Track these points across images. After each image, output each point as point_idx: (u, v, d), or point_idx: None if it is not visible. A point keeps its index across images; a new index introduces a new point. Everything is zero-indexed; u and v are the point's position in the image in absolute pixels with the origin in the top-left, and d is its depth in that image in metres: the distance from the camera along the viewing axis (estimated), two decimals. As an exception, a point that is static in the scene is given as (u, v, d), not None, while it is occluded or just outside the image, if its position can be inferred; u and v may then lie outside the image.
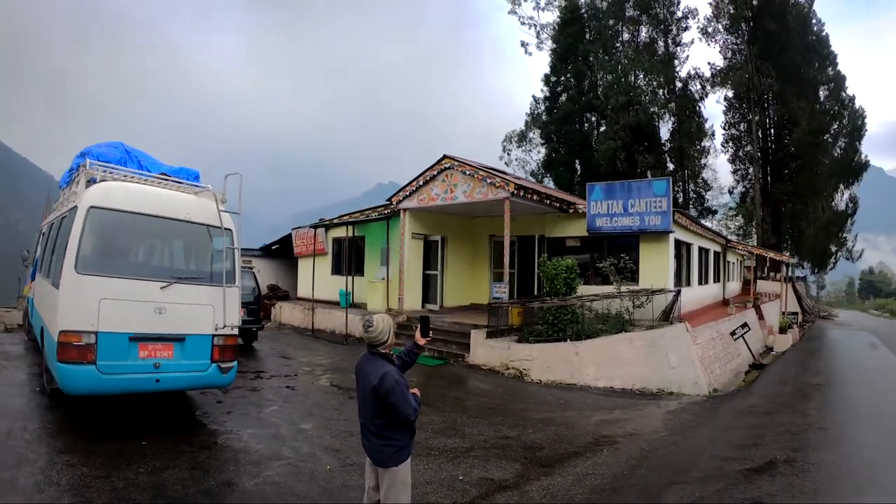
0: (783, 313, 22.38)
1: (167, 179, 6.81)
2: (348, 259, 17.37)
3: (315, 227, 18.84)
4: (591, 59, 36.16)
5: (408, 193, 15.11)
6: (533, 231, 15.79)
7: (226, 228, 6.64)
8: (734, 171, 36.29)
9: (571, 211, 14.80)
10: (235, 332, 6.62)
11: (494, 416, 8.09)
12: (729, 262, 24.49)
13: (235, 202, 6.92)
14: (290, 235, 20.69)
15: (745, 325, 14.24)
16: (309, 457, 5.74)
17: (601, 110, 34.78)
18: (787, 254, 28.65)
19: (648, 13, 35.27)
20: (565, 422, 8.04)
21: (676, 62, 35.34)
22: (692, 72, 35.28)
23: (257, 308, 13.48)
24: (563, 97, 37.81)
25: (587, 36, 37.46)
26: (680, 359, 10.75)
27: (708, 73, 34.30)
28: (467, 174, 13.78)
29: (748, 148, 34.07)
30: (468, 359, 11.98)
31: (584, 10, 37.97)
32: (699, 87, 35.03)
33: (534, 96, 39.97)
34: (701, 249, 17.89)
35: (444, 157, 14.28)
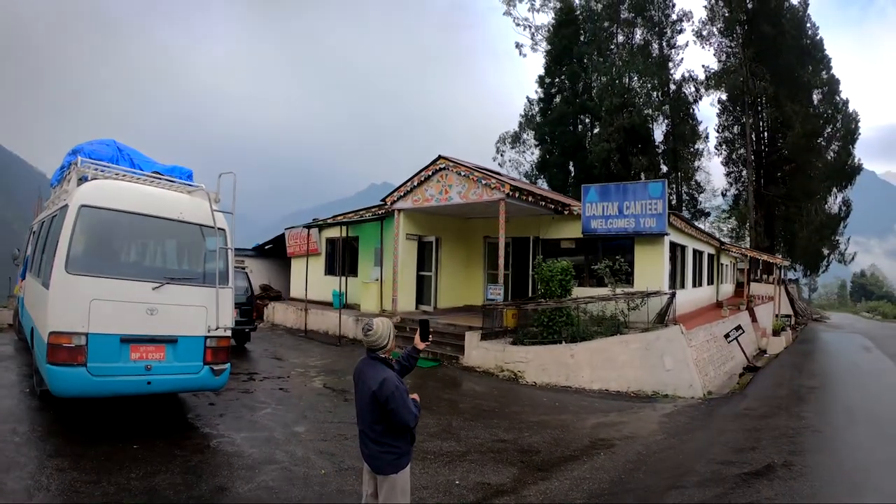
0: (776, 315, 22.47)
1: (160, 178, 6.71)
2: (342, 259, 17.26)
3: (308, 227, 18.73)
4: (585, 60, 36.21)
5: (402, 194, 15.04)
6: (528, 232, 15.75)
7: (219, 228, 6.54)
8: (727, 174, 36.46)
9: (566, 213, 14.78)
10: (228, 333, 6.53)
11: (490, 418, 8.04)
12: (722, 264, 24.57)
13: (229, 202, 6.83)
14: (283, 235, 20.57)
15: (738, 327, 14.27)
16: (303, 461, 5.66)
17: (595, 112, 34.81)
18: (780, 256, 28.76)
19: (643, 15, 35.37)
20: (561, 425, 8.00)
21: (671, 64, 35.46)
22: (686, 74, 35.40)
23: (250, 309, 13.36)
24: (558, 98, 37.82)
25: (582, 38, 37.51)
26: (675, 361, 10.74)
27: (702, 76, 34.44)
28: (462, 175, 13.72)
29: (742, 151, 34.19)
30: (462, 361, 11.92)
31: (578, 12, 38.01)
32: (693, 89, 35.14)
33: (528, 97, 40.05)
34: (695, 252, 17.92)
35: (439, 157, 14.21)
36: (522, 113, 40.09)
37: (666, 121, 35.78)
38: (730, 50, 33.76)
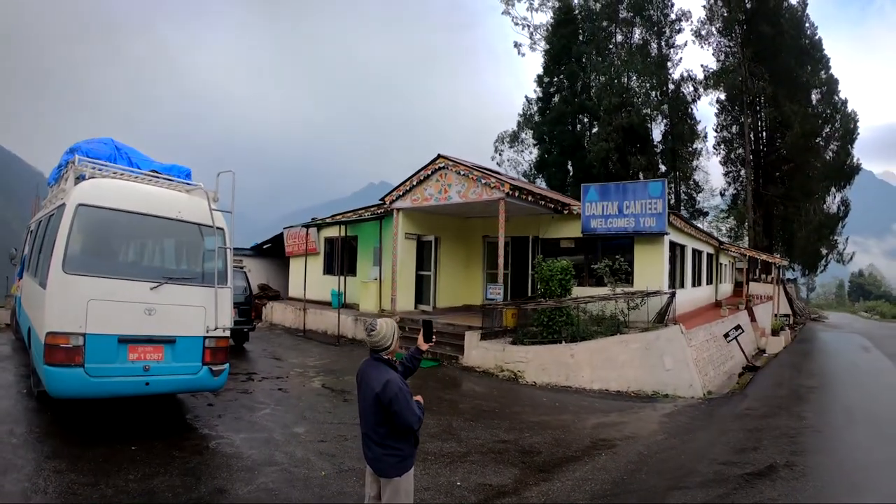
0: (775, 315, 22.46)
1: (158, 177, 6.64)
2: (340, 259, 17.20)
3: (307, 226, 18.67)
4: (584, 60, 36.21)
5: (401, 193, 14.99)
6: (527, 232, 15.72)
7: (217, 227, 6.49)
8: (726, 174, 36.48)
9: (566, 212, 14.74)
10: (227, 334, 6.47)
11: (490, 419, 8.00)
12: (721, 264, 24.57)
13: (227, 201, 6.77)
14: (281, 235, 20.52)
15: (738, 327, 14.24)
16: (303, 462, 5.61)
17: (594, 111, 34.82)
18: (779, 256, 28.77)
19: (642, 15, 35.37)
20: (562, 425, 7.96)
21: (669, 64, 35.46)
22: (685, 74, 35.44)
23: (248, 308, 13.31)
24: (556, 98, 37.82)
25: (580, 37, 37.52)
26: (675, 361, 10.71)
27: (701, 76, 34.45)
28: (462, 174, 13.67)
29: (740, 150, 34.20)
30: (462, 360, 11.89)
31: (577, 12, 38.01)
32: (692, 89, 35.18)
33: (526, 97, 40.06)
34: (694, 251, 17.90)
35: (439, 156, 14.17)
36: (521, 112, 40.13)
37: (664, 120, 35.81)
38: (728, 49, 33.78)
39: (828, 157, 33.09)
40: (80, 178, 6.06)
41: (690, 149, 35.79)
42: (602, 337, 11.15)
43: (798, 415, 9.31)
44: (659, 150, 35.81)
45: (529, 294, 14.96)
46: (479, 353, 11.66)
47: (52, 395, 5.56)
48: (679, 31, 35.52)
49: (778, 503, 5.21)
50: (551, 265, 11.90)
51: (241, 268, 15.93)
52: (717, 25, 33.81)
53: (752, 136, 33.46)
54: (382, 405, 3.10)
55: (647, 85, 34.36)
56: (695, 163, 36.32)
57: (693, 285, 17.73)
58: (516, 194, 13.17)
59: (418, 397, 3.30)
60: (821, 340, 23.15)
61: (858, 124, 33.20)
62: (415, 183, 14.60)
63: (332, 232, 18.07)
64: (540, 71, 38.58)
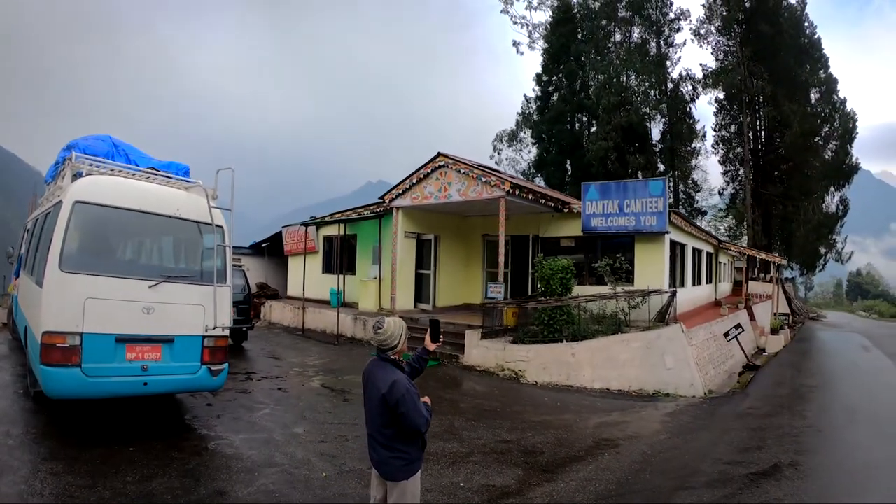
0: (774, 314, 22.44)
1: (156, 174, 6.56)
2: (339, 257, 17.13)
3: (306, 224, 18.59)
4: (583, 59, 36.13)
5: (401, 191, 14.92)
6: (527, 231, 15.66)
7: (217, 225, 6.41)
8: (724, 173, 36.41)
9: (566, 210, 14.69)
10: (226, 333, 6.39)
11: (492, 418, 7.94)
12: (721, 263, 24.55)
13: (226, 198, 6.69)
14: (280, 233, 20.43)
15: (738, 326, 14.20)
16: (303, 463, 5.54)
17: (593, 110, 34.76)
18: (778, 255, 28.77)
19: (641, 14, 35.31)
20: (564, 424, 7.90)
21: (668, 63, 35.40)
22: (684, 73, 35.37)
23: (247, 307, 13.24)
24: (555, 97, 37.73)
25: (579, 36, 37.44)
26: (676, 360, 10.66)
27: (700, 75, 34.38)
28: (462, 172, 13.61)
29: (739, 149, 34.17)
30: (462, 360, 11.83)
31: (576, 10, 37.92)
32: (690, 88, 35.13)
33: (525, 96, 39.96)
34: (694, 250, 17.86)
35: (439, 154, 14.10)
36: (520, 111, 40.04)
37: (663, 119, 35.76)
38: (728, 49, 33.72)
39: (827, 157, 33.09)
40: (77, 175, 5.97)
41: (689, 148, 35.76)
42: (603, 336, 11.09)
43: (800, 414, 9.28)
44: (658, 149, 35.76)
45: (529, 293, 14.90)
46: (480, 352, 11.60)
47: (49, 396, 5.47)
48: (678, 30, 35.52)
49: (784, 503, 5.16)
50: (552, 264, 11.84)
51: (240, 266, 15.85)
52: (717, 24, 33.75)
53: (750, 135, 33.44)
54: (389, 406, 3.02)
55: (646, 84, 34.31)
56: (693, 162, 36.28)
57: (693, 284, 17.69)
58: (517, 192, 13.11)
59: (426, 399, 3.22)
60: (820, 339, 23.14)
61: (857, 123, 33.20)
62: (414, 181, 14.52)
63: (331, 230, 17.99)
64: (539, 70, 38.52)
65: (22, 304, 7.47)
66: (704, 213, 37.89)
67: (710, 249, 21.12)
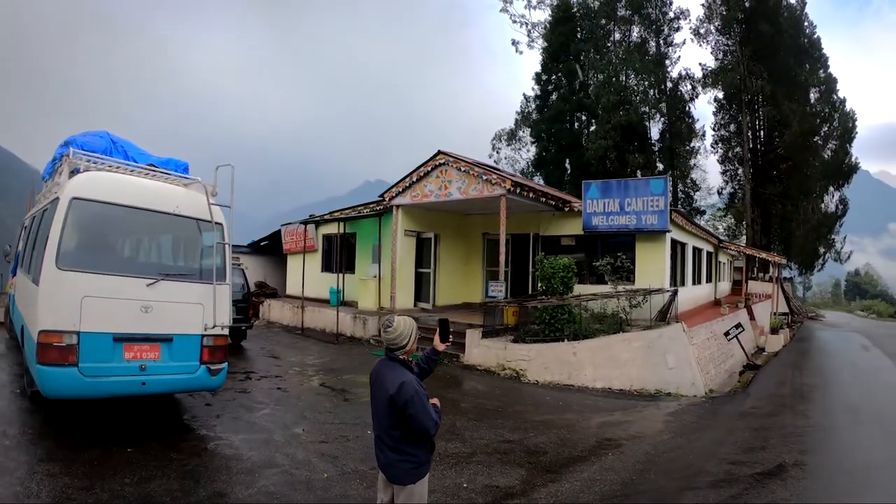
0: (774, 313, 22.41)
1: (155, 170, 6.47)
2: (339, 256, 17.04)
3: (305, 223, 18.49)
4: (582, 58, 36.05)
5: (401, 190, 14.85)
6: (527, 229, 15.60)
7: (216, 222, 6.32)
8: (723, 172, 36.39)
9: (567, 209, 14.62)
10: (226, 332, 6.31)
11: (494, 418, 7.87)
12: (720, 262, 24.51)
13: (226, 195, 6.60)
14: (279, 232, 20.35)
15: (738, 325, 14.16)
16: (304, 464, 5.45)
17: (592, 109, 34.67)
18: (776, 254, 28.75)
19: (640, 13, 35.23)
20: (566, 424, 7.84)
21: (668, 62, 35.31)
22: (683, 72, 35.29)
23: (246, 306, 13.16)
24: (554, 96, 37.63)
25: (579, 35, 37.34)
26: (677, 359, 10.61)
27: (699, 74, 34.32)
28: (462, 171, 13.54)
29: (738, 149, 34.14)
30: (463, 359, 11.75)
31: (575, 10, 37.80)
32: (690, 87, 35.04)
33: (524, 95, 39.83)
34: (695, 249, 17.82)
35: (439, 152, 14.02)
36: (519, 110, 39.92)
37: (662, 119, 35.69)
38: (727, 48, 33.67)
39: (826, 156, 33.11)
40: (74, 172, 5.87)
41: (688, 147, 35.68)
42: (604, 335, 11.04)
43: (803, 413, 9.24)
44: (657, 149, 35.70)
45: (529, 292, 14.84)
46: (481, 351, 11.53)
47: (46, 396, 5.38)
48: (677, 29, 35.43)
49: (791, 502, 5.11)
50: (553, 262, 11.78)
51: (239, 265, 15.76)
52: (716, 24, 33.70)
53: (750, 134, 33.42)
54: (397, 408, 2.94)
55: (646, 83, 34.21)
56: (692, 161, 36.19)
57: (693, 283, 17.66)
58: (518, 191, 13.05)
59: (434, 400, 3.14)
60: (820, 339, 23.13)
61: (857, 123, 33.20)
62: (415, 179, 14.45)
63: (331, 229, 17.90)
64: (538, 69, 38.42)
65: (19, 302, 7.38)
66: (703, 213, 37.86)
67: (710, 248, 21.09)
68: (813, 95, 33.19)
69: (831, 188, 34.09)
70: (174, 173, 6.62)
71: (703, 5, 33.89)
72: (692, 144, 35.93)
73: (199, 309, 6.02)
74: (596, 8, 36.87)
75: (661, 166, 35.17)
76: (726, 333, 13.87)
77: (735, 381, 12.46)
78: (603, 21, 36.47)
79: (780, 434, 7.66)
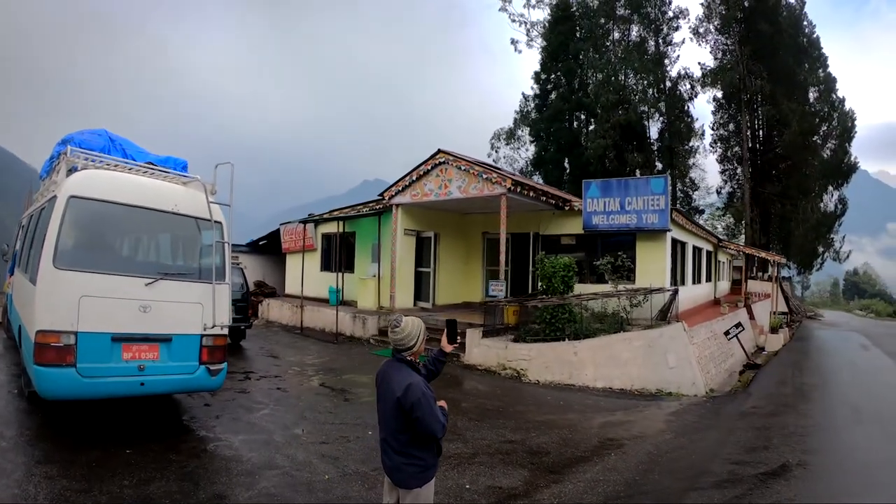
0: (773, 313, 22.40)
1: (153, 169, 6.40)
2: (338, 255, 16.99)
3: (304, 222, 18.43)
4: (581, 57, 36.00)
5: (400, 188, 14.79)
6: (527, 228, 15.55)
7: (215, 221, 6.26)
8: (722, 171, 36.41)
9: (567, 208, 14.58)
10: (225, 332, 6.25)
11: (495, 418, 7.82)
12: (719, 261, 24.49)
13: (225, 194, 6.53)
14: (277, 231, 20.28)
15: (739, 324, 14.13)
16: (305, 465, 5.39)
17: (591, 109, 34.61)
18: (775, 254, 28.75)
19: (639, 12, 35.18)
20: (568, 424, 7.79)
21: (667, 62, 35.29)
22: (682, 72, 35.30)
23: (245, 306, 13.08)
24: (554, 95, 37.58)
25: (578, 34, 37.28)
26: (678, 359, 10.58)
27: (698, 74, 34.32)
28: (462, 169, 13.48)
29: (737, 148, 34.15)
30: (463, 359, 11.71)
31: (574, 9, 37.74)
32: (689, 87, 35.02)
33: (523, 94, 39.78)
34: (695, 248, 17.79)
35: (439, 151, 13.96)
36: (517, 109, 39.87)
37: (661, 118, 35.68)
38: (726, 47, 33.66)
39: (825, 156, 33.10)
40: (72, 170, 5.80)
41: (687, 146, 35.67)
42: (605, 334, 11.00)
43: (804, 413, 9.21)
44: (656, 148, 35.68)
45: (529, 291, 14.80)
46: (481, 350, 11.48)
47: (43, 397, 5.31)
48: (677, 28, 35.39)
49: (796, 502, 5.07)
50: (554, 262, 11.73)
51: (238, 264, 15.70)
52: (716, 23, 33.67)
53: (749, 133, 33.42)
54: (404, 410, 2.87)
55: (645, 82, 34.18)
56: (691, 160, 36.19)
57: (693, 282, 17.63)
58: (518, 190, 13.00)
59: (442, 403, 3.09)
60: (819, 338, 23.12)
61: (856, 123, 33.20)
62: (414, 178, 14.40)
63: (330, 228, 17.84)
64: (537, 68, 38.37)
65: (16, 302, 7.31)
66: (702, 212, 37.86)
67: (710, 248, 21.06)
68: (812, 95, 33.18)
69: (830, 188, 34.10)
70: (173, 171, 6.56)
71: (702, 4, 33.92)
72: (691, 144, 35.97)
73: (199, 308, 5.97)
74: (595, 7, 36.81)
75: (659, 165, 35.15)
76: (726, 333, 13.84)
77: (735, 380, 12.43)
78: (602, 20, 36.41)
79: (783, 434, 7.62)
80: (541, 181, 35.13)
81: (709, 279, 21.37)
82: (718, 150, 35.97)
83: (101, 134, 6.84)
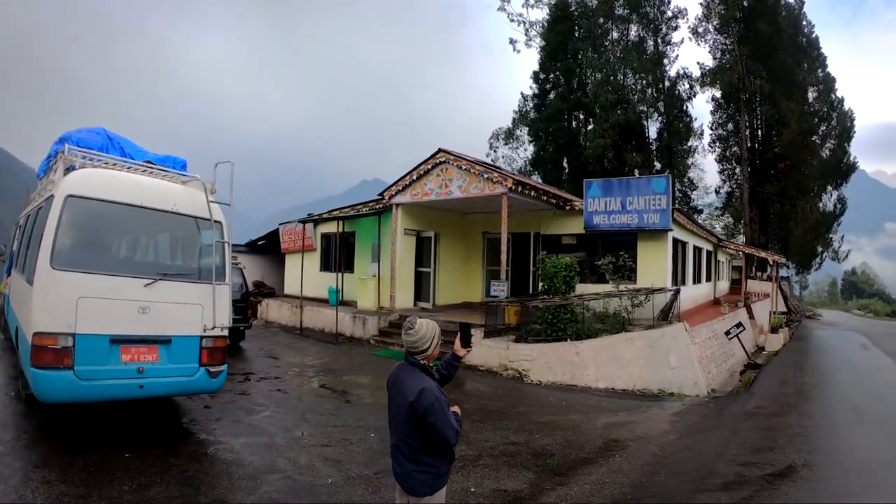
0: (773, 312, 22.37)
1: (152, 168, 6.32)
2: (338, 255, 16.90)
3: (304, 222, 18.34)
4: (580, 56, 35.94)
5: (401, 188, 14.71)
6: (528, 228, 15.48)
7: (215, 221, 6.17)
8: (721, 171, 36.36)
9: (568, 208, 14.51)
10: (225, 333, 6.16)
11: (498, 420, 7.76)
12: (719, 261, 24.46)
13: (225, 193, 6.44)
14: (276, 231, 20.18)
15: (739, 324, 14.10)
16: (307, 469, 5.31)
17: (590, 108, 34.53)
18: (774, 253, 28.73)
19: (638, 12, 35.11)
20: (571, 425, 7.73)
21: (665, 61, 35.20)
22: (681, 71, 35.19)
23: (245, 306, 13.00)
24: (552, 94, 37.52)
25: (577, 34, 37.23)
26: (680, 359, 10.52)
27: (697, 73, 34.24)
28: (463, 169, 13.41)
29: (736, 148, 34.12)
30: (464, 359, 11.61)
31: (573, 8, 37.68)
32: (688, 86, 34.92)
33: (522, 93, 39.69)
34: (695, 248, 17.75)
35: (440, 150, 13.89)
36: (516, 109, 39.79)
37: (660, 117, 35.61)
38: (725, 47, 33.59)
39: (824, 155, 33.09)
40: (70, 169, 5.72)
41: (686, 146, 35.60)
42: (607, 335, 10.94)
43: (808, 413, 9.17)
44: (654, 147, 35.62)
45: (530, 291, 14.74)
46: (483, 351, 11.40)
47: (41, 400, 5.22)
48: (675, 28, 35.30)
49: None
50: (555, 262, 11.67)
51: (237, 264, 15.60)
52: (714, 23, 33.60)
53: (748, 133, 33.39)
54: (416, 416, 2.79)
55: (643, 82, 34.13)
56: (690, 160, 36.11)
57: (694, 282, 17.59)
58: (519, 189, 12.93)
59: (455, 408, 3.01)
60: (819, 338, 23.08)
61: (855, 122, 33.20)
62: (415, 177, 14.32)
63: (330, 228, 17.76)
64: (536, 67, 38.32)
65: (13, 303, 7.21)
66: (700, 212, 37.81)
67: (710, 247, 21.03)
68: (811, 95, 33.15)
69: (829, 187, 34.08)
70: (172, 170, 6.47)
71: (701, 4, 33.84)
72: (690, 143, 35.87)
73: (198, 309, 5.88)
74: (594, 7, 36.76)
75: (658, 165, 35.10)
76: (727, 333, 13.79)
77: (736, 380, 12.39)
78: (601, 20, 36.35)
79: (787, 434, 7.57)
80: (539, 181, 35.08)
81: (709, 279, 21.34)
82: (717, 149, 35.96)
83: (99, 132, 6.76)
